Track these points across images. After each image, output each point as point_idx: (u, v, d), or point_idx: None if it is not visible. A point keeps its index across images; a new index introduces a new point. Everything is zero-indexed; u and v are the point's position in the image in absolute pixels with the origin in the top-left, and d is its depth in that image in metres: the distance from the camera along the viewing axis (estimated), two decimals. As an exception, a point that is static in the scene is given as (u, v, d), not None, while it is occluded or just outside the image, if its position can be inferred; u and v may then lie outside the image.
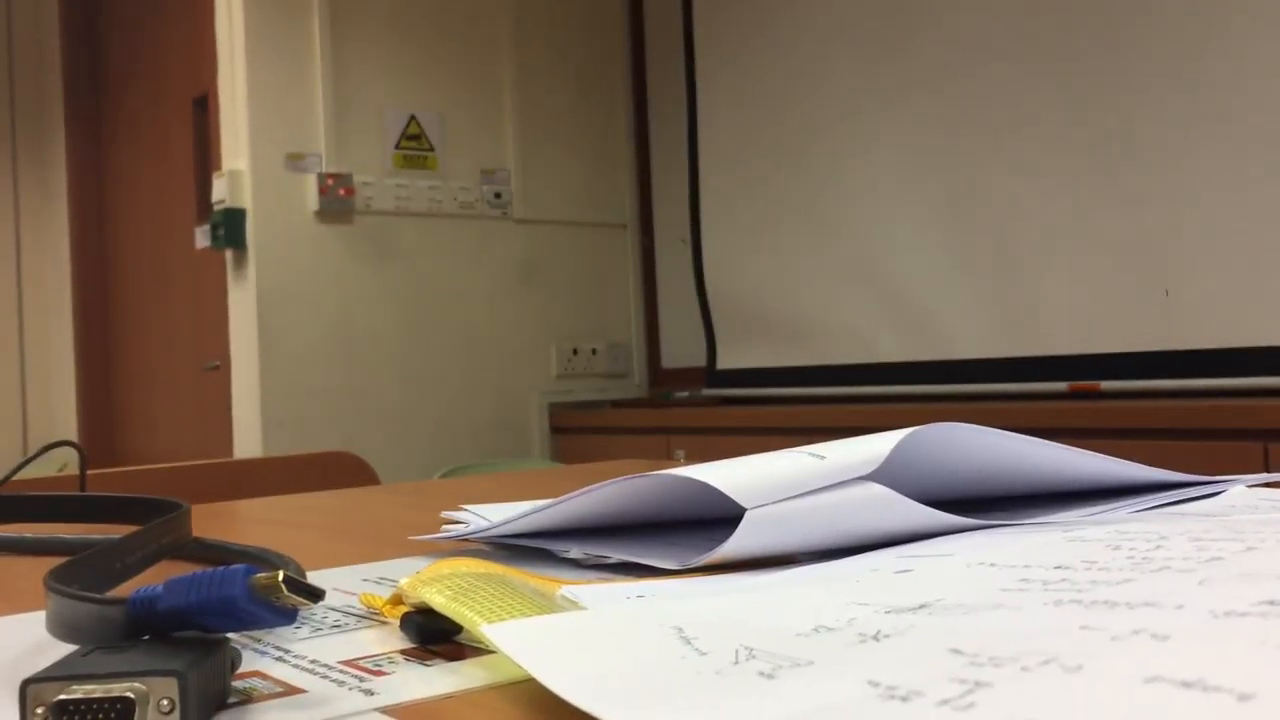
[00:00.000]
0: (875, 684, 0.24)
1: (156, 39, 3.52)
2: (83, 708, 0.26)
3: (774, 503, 0.42)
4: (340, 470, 1.19)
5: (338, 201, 2.85)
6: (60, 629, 0.31)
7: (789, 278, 2.88)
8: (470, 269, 3.10)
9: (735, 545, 0.43)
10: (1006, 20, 2.40)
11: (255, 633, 0.38)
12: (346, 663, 0.34)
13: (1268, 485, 0.56)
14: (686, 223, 3.20)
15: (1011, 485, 0.53)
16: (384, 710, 0.30)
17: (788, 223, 2.88)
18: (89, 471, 0.76)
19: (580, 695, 0.25)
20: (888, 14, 2.64)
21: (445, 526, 0.59)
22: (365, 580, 0.48)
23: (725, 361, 3.08)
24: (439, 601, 0.35)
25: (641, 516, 0.54)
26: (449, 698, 0.31)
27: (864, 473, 0.43)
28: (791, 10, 2.86)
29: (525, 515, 0.51)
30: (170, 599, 0.29)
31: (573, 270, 3.31)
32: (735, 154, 3.03)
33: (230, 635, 0.31)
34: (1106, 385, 2.21)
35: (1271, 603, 0.27)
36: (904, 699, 0.23)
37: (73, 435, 3.92)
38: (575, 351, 3.29)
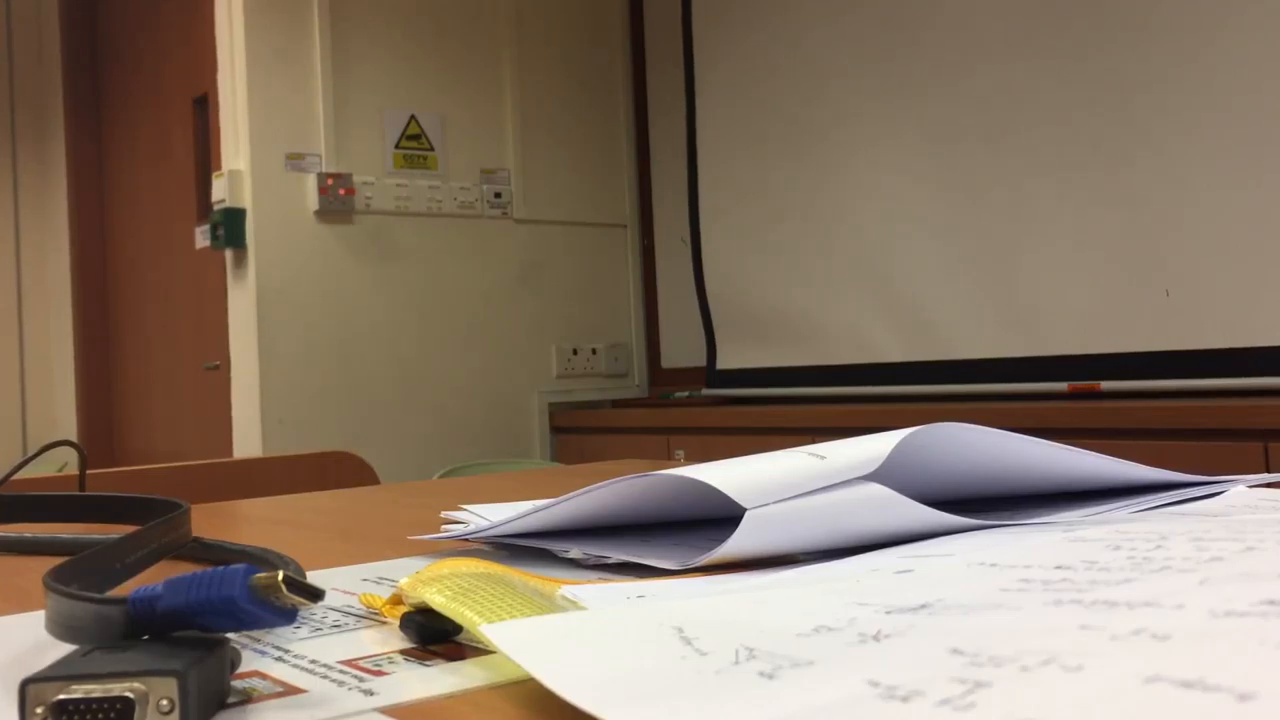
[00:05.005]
0: (875, 684, 0.24)
1: (156, 39, 3.52)
2: (82, 707, 0.26)
3: (774, 503, 0.42)
4: (340, 470, 1.19)
5: (338, 201, 2.85)
6: (60, 629, 0.31)
7: (789, 278, 2.88)
8: (470, 269, 3.10)
9: (735, 545, 0.42)
10: (1007, 20, 2.40)
11: (255, 633, 0.38)
12: (346, 663, 0.34)
13: (1268, 485, 0.56)
14: (686, 223, 3.20)
15: (1012, 485, 0.53)
16: (384, 710, 0.29)
17: (787, 223, 2.88)
18: (89, 471, 0.76)
19: (580, 695, 0.25)
20: (887, 14, 2.64)
21: (445, 526, 0.59)
22: (365, 580, 0.48)
23: (725, 361, 3.08)
24: (439, 601, 0.35)
25: (641, 516, 0.54)
26: (449, 698, 0.31)
27: (864, 473, 0.43)
28: (791, 11, 2.86)
29: (525, 515, 0.51)
30: (170, 599, 0.29)
31: (573, 270, 3.31)
32: (735, 154, 3.03)
33: (230, 635, 0.31)
34: (1106, 385, 2.21)
35: (1271, 603, 0.27)
36: (904, 699, 0.23)
37: (73, 435, 3.92)
38: (575, 351, 3.29)
